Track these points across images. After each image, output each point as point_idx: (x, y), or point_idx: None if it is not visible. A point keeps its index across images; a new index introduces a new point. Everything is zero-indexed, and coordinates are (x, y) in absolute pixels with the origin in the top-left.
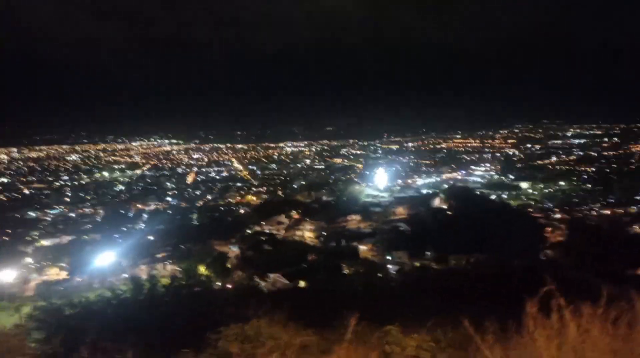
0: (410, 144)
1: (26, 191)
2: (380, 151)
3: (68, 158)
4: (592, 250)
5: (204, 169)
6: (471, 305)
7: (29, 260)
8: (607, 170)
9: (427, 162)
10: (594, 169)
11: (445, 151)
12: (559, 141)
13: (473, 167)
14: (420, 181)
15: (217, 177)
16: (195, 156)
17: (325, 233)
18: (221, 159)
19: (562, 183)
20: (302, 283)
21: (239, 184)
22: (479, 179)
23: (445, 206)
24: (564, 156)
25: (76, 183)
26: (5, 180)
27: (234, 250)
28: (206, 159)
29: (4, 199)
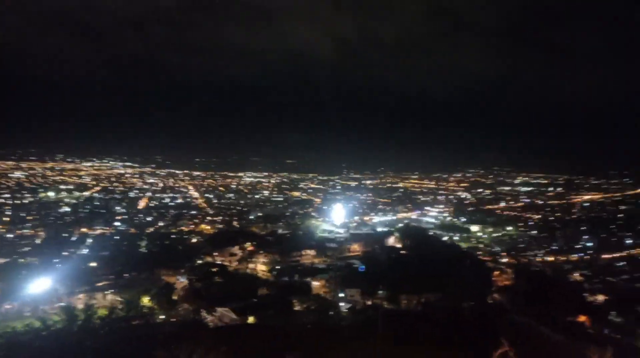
0: (368, 182)
1: None
2: (338, 187)
3: (11, 175)
4: (536, 295)
5: (157, 195)
6: (419, 353)
7: None
8: (551, 218)
9: (384, 200)
10: (539, 216)
11: (401, 190)
12: (508, 188)
13: (427, 208)
14: (376, 219)
15: (171, 203)
16: (150, 180)
17: (278, 267)
18: (177, 185)
19: (509, 228)
20: (250, 319)
21: (193, 212)
22: (432, 220)
23: (399, 245)
24: (512, 203)
25: (18, 202)
26: None
27: (182, 281)
28: (161, 185)
29: None
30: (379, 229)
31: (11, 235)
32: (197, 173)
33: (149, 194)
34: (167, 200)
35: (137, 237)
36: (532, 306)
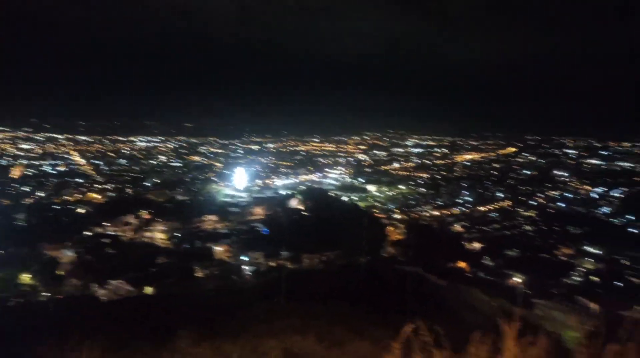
0: (270, 146)
1: None
2: (240, 151)
3: None
4: (424, 246)
5: (35, 162)
6: (321, 307)
7: None
8: (437, 177)
9: (286, 163)
10: (427, 175)
11: (303, 153)
12: (401, 149)
13: (328, 170)
14: (279, 182)
15: (53, 171)
16: (25, 146)
17: (178, 234)
18: (59, 151)
19: (402, 187)
20: (148, 290)
21: (79, 180)
22: (333, 182)
23: (301, 207)
24: (404, 163)
25: None
26: None
27: (68, 255)
28: (39, 151)
29: None
30: (282, 192)
31: None
32: (82, 138)
33: (24, 161)
34: (48, 168)
35: (13, 209)
36: (420, 256)
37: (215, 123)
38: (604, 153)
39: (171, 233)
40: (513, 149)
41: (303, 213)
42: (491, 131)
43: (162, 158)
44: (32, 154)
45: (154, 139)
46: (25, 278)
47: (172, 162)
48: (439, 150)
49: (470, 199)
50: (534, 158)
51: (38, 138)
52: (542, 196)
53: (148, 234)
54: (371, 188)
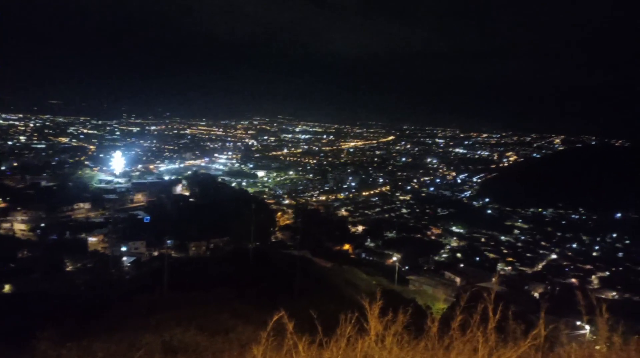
0: (152, 128)
1: None
2: (117, 133)
3: None
4: (311, 231)
5: None
6: (208, 295)
7: None
8: (324, 163)
9: (170, 147)
10: (315, 161)
11: (189, 137)
12: (290, 135)
13: (216, 155)
14: (162, 167)
15: None
16: None
17: (43, 225)
18: None
19: (290, 173)
20: (7, 287)
21: None
22: (221, 167)
23: (187, 193)
24: (293, 149)
25: None
26: None
27: None
28: None
29: None
30: (166, 177)
31: None
32: None
33: None
34: None
35: None
36: (308, 240)
37: (86, 101)
38: (468, 142)
39: (35, 224)
40: (392, 137)
41: (189, 199)
42: (374, 119)
43: (22, 139)
44: None
45: (12, 117)
46: None
47: (34, 143)
48: (326, 137)
49: (355, 184)
50: (410, 146)
51: None
52: (416, 181)
53: (6, 225)
54: (260, 173)
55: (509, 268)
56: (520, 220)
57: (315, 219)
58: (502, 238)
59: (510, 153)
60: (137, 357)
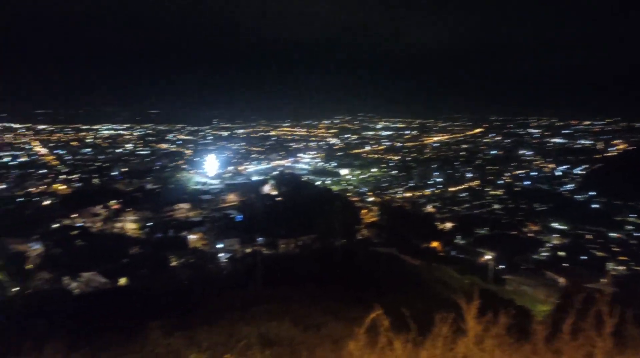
0: (240, 131)
1: None
2: (210, 137)
3: None
4: (397, 228)
5: None
6: (298, 291)
7: None
8: (408, 159)
9: (257, 149)
10: (398, 157)
11: (274, 138)
12: (371, 132)
13: (300, 154)
14: (251, 168)
15: (13, 163)
16: None
17: (150, 224)
18: (17, 141)
19: (373, 170)
20: (122, 281)
21: (42, 171)
22: (305, 166)
23: (275, 192)
24: (375, 146)
25: None
26: None
27: (35, 248)
28: None
29: None
30: (254, 178)
31: None
32: (42, 127)
33: None
34: (7, 159)
35: None
36: (394, 238)
37: (182, 110)
38: (566, 131)
39: (143, 223)
40: (480, 130)
41: (277, 198)
42: (459, 112)
43: (129, 146)
44: None
45: (119, 127)
46: None
47: (139, 150)
48: (408, 132)
49: (441, 180)
50: (500, 138)
51: None
52: (509, 175)
53: (118, 224)
54: (343, 171)
55: (622, 267)
56: (633, 215)
57: (400, 216)
58: (612, 234)
59: (618, 141)
60: (239, 347)
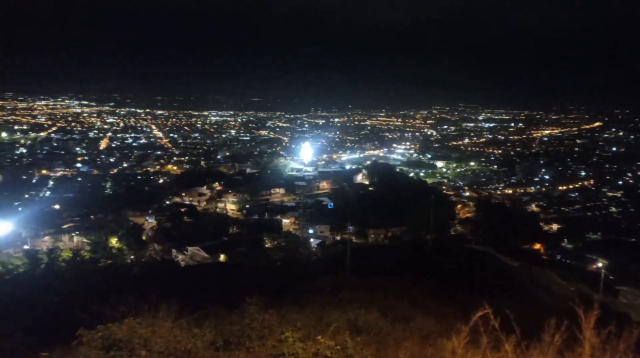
0: (336, 120)
1: None
2: (306, 125)
3: None
4: (494, 226)
5: (119, 135)
6: (385, 281)
7: None
8: (512, 153)
9: (352, 138)
10: (500, 151)
11: (369, 128)
12: (472, 124)
13: (395, 145)
14: (344, 157)
15: (135, 144)
16: (110, 120)
17: (248, 206)
18: (139, 125)
19: (472, 163)
20: (222, 257)
21: (158, 152)
22: (399, 157)
23: (367, 182)
24: (475, 139)
25: None
26: None
27: (150, 222)
28: (122, 124)
29: None
30: (347, 167)
31: None
32: (160, 112)
33: (109, 134)
34: (130, 140)
35: (101, 178)
36: (491, 236)
37: (282, 98)
38: None
39: (241, 205)
40: (598, 124)
41: (369, 188)
42: (574, 104)
43: (232, 132)
44: (116, 128)
45: (225, 114)
46: (114, 242)
47: (241, 136)
48: (514, 125)
49: (549, 177)
50: (622, 134)
51: (120, 112)
52: (631, 175)
53: (220, 205)
54: (439, 164)
55: None
56: None
57: (500, 213)
58: None
59: None
60: (330, 331)
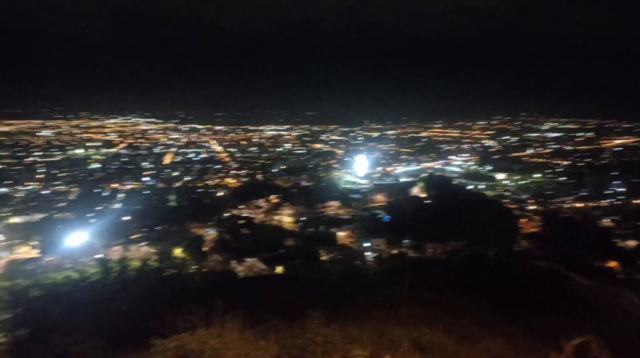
0: (390, 132)
1: None
2: (360, 138)
3: (39, 134)
4: (563, 242)
5: (182, 150)
6: (445, 298)
7: None
8: (581, 164)
9: (407, 150)
10: (568, 162)
11: (425, 140)
12: (535, 134)
13: (452, 157)
14: (399, 169)
15: (196, 158)
16: (174, 136)
17: (304, 219)
18: (200, 140)
19: (537, 175)
20: (279, 269)
21: (217, 166)
22: (457, 169)
23: (423, 195)
24: (539, 149)
25: (49, 160)
26: None
27: (210, 233)
28: (184, 140)
29: None
30: (403, 179)
31: (46, 191)
32: (219, 127)
33: (173, 149)
34: (192, 155)
35: (166, 191)
36: (560, 252)
37: (336, 111)
38: None
39: (297, 217)
40: None
41: (425, 201)
42: None
43: (287, 146)
44: (179, 143)
45: (281, 128)
46: (178, 252)
47: (296, 149)
48: (582, 134)
49: (623, 190)
50: None
51: (183, 128)
52: None
53: (277, 217)
54: (500, 176)
55: None
56: None
57: (568, 228)
58: None
59: None
60: (400, 351)
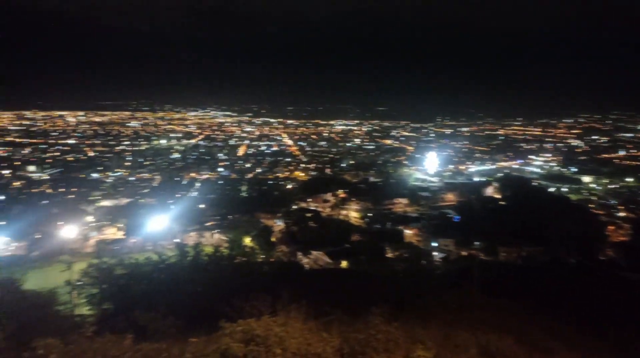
0: (464, 129)
1: (91, 154)
2: (432, 135)
3: (128, 124)
4: None
5: (254, 143)
6: (517, 305)
7: (90, 218)
8: None
9: (482, 149)
10: None
11: (502, 138)
12: (629, 134)
13: (532, 156)
14: (472, 168)
15: (267, 151)
16: (247, 129)
17: (370, 214)
18: (272, 133)
19: (629, 179)
20: (344, 263)
21: (287, 159)
22: (537, 170)
23: (498, 196)
24: (633, 151)
25: (136, 149)
26: (72, 141)
27: (279, 224)
28: (257, 133)
29: (71, 160)
30: (476, 179)
31: (132, 178)
32: (290, 121)
33: (247, 142)
34: (264, 148)
35: (238, 182)
36: None
37: (408, 107)
38: None
39: (364, 213)
40: None
41: (500, 202)
42: None
43: (357, 141)
44: (252, 136)
45: (350, 123)
46: (247, 241)
47: (365, 145)
48: None
49: None
50: None
51: (256, 121)
52: None
53: (344, 212)
54: (586, 178)
55: None
56: None
57: None
58: None
59: None
60: (468, 355)
